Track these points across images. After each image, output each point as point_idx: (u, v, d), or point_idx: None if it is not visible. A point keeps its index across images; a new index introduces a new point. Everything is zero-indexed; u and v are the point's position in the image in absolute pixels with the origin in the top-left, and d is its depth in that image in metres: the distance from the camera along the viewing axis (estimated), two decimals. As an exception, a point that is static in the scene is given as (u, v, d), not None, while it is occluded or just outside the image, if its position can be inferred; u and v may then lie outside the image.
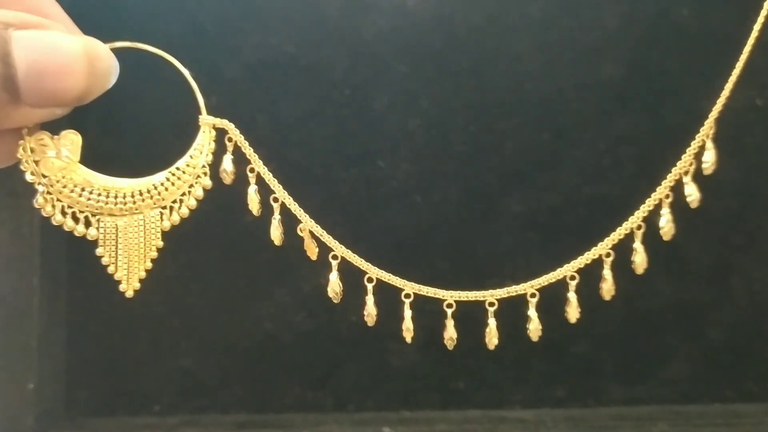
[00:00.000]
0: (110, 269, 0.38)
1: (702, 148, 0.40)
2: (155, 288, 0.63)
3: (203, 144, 0.38)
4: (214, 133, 0.38)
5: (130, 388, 0.63)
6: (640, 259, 0.41)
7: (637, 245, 0.41)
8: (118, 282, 0.38)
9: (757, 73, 0.60)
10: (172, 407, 0.63)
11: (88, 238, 0.37)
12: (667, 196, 0.41)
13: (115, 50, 0.35)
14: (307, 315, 0.62)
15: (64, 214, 0.37)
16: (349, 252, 0.40)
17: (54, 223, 0.37)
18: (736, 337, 0.62)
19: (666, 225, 0.41)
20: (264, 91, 0.61)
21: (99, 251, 0.37)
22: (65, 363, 0.62)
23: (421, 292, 0.40)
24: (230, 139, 0.38)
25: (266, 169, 0.39)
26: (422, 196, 0.61)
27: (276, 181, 0.39)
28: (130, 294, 0.38)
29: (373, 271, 0.40)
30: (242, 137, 0.38)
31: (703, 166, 0.41)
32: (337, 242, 0.40)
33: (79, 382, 0.63)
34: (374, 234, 0.61)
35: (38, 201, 0.36)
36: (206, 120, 0.38)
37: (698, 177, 0.41)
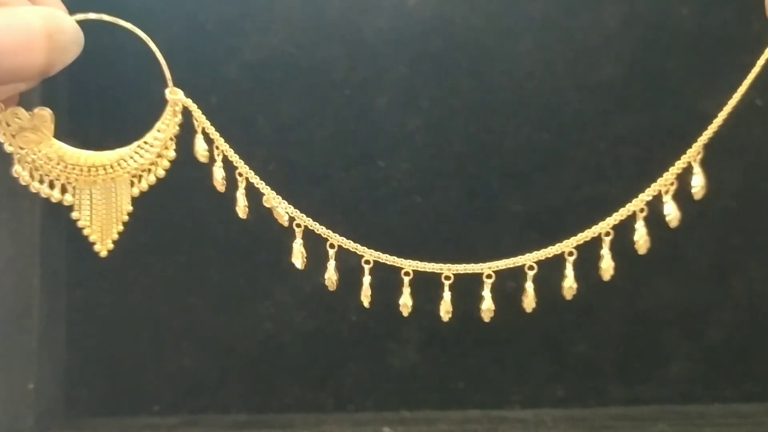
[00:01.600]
0: (86, 231, 0.39)
1: (686, 170, 0.40)
2: (155, 288, 0.63)
3: (170, 118, 0.39)
4: (180, 106, 0.39)
5: (130, 388, 0.63)
6: (605, 265, 0.41)
7: (605, 251, 0.41)
8: (93, 243, 0.40)
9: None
10: (172, 407, 0.63)
11: (64, 203, 0.39)
12: (642, 210, 0.41)
13: (81, 22, 0.35)
14: (307, 315, 0.62)
15: (41, 182, 0.38)
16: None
17: (32, 190, 0.38)
18: (736, 337, 0.62)
19: (640, 238, 0.41)
20: (264, 91, 0.61)
21: (74, 215, 0.39)
22: (65, 363, 0.62)
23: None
24: (196, 120, 0.39)
25: (228, 146, 0.39)
26: (422, 196, 0.61)
27: (237, 156, 0.40)
28: (104, 254, 0.40)
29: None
30: (204, 117, 0.39)
31: (693, 190, 0.41)
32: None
33: (79, 382, 0.63)
34: (374, 234, 0.61)
35: (17, 170, 0.38)
36: (171, 96, 0.39)
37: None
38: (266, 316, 0.62)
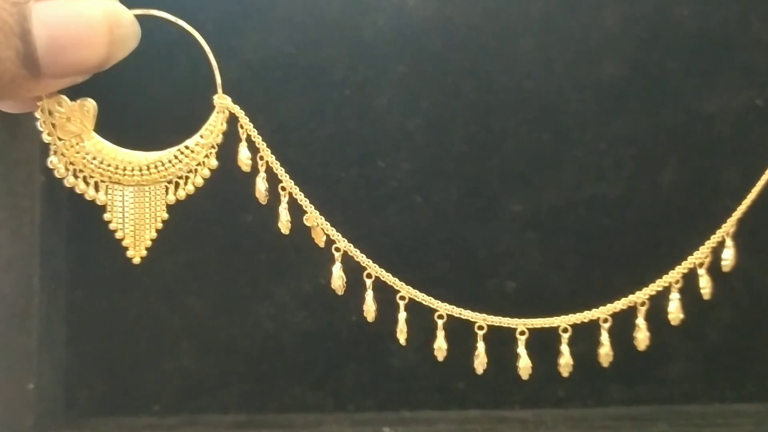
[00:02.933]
0: (118, 234, 0.38)
1: (721, 244, 0.41)
2: (155, 287, 0.63)
3: (215, 125, 0.38)
4: (227, 114, 0.38)
5: (130, 388, 0.63)
6: (642, 336, 0.42)
7: (640, 321, 0.41)
8: (126, 248, 0.39)
9: (757, 73, 0.61)
10: (172, 407, 0.63)
11: (97, 202, 0.38)
12: (677, 282, 0.42)
13: (137, 17, 0.35)
14: (307, 315, 0.62)
15: (75, 176, 0.37)
16: (351, 246, 0.40)
17: (66, 184, 0.37)
18: (736, 337, 0.62)
19: (674, 310, 0.41)
20: (264, 91, 0.61)
21: (107, 216, 0.38)
22: (65, 363, 0.62)
23: (416, 298, 0.40)
24: (242, 126, 0.38)
25: (274, 158, 0.39)
26: (422, 196, 0.61)
27: (284, 170, 0.39)
28: (137, 260, 0.39)
29: (373, 268, 0.40)
30: (251, 125, 0.38)
31: (723, 263, 0.41)
32: (339, 235, 0.40)
33: (79, 382, 0.63)
34: (374, 234, 0.61)
35: (53, 161, 0.37)
36: (221, 101, 0.38)
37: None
38: (266, 316, 0.62)
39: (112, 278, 0.62)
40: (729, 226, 0.41)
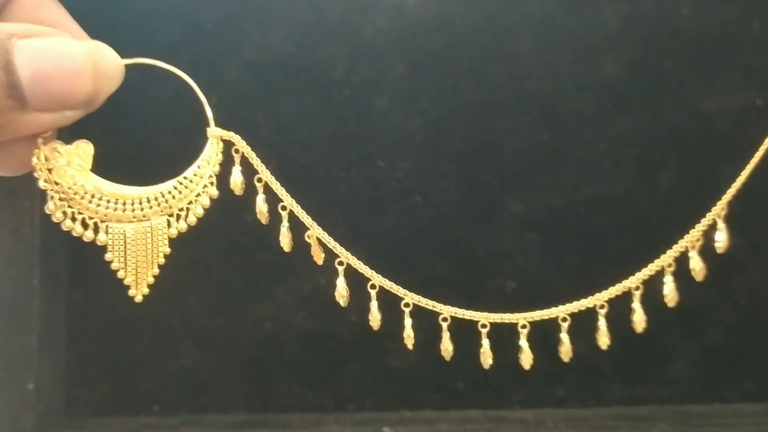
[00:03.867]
0: (120, 274, 0.39)
1: (712, 227, 0.42)
2: (156, 288, 0.63)
3: (211, 155, 0.39)
4: (221, 144, 0.39)
5: (130, 388, 0.63)
6: (638, 318, 0.43)
7: (635, 305, 0.42)
8: (128, 287, 0.39)
9: (757, 73, 0.61)
10: (172, 407, 0.63)
11: (98, 243, 0.38)
12: (669, 265, 0.42)
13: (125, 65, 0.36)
14: (307, 315, 0.62)
15: (73, 219, 0.38)
16: (354, 258, 0.41)
17: (64, 228, 0.37)
18: (736, 337, 0.62)
19: (669, 292, 0.42)
20: (264, 91, 0.61)
21: (108, 256, 0.38)
22: (65, 363, 0.62)
23: (420, 303, 0.41)
24: (237, 151, 0.39)
25: (274, 178, 0.39)
26: (422, 196, 0.61)
27: (284, 189, 0.39)
28: (139, 299, 0.39)
29: (377, 279, 0.41)
30: (249, 148, 0.39)
31: (716, 245, 0.42)
32: (342, 248, 0.41)
33: (79, 382, 0.63)
34: (374, 234, 0.61)
35: (49, 207, 0.37)
36: (214, 132, 0.39)
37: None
38: (266, 316, 0.62)
39: (112, 278, 0.62)
40: (719, 209, 0.41)
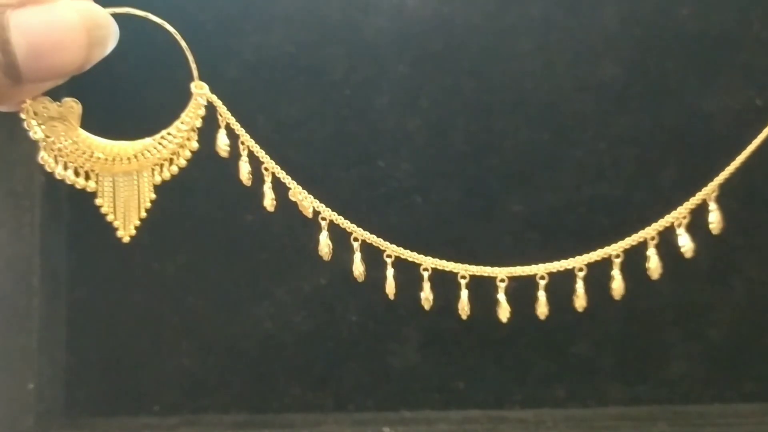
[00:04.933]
0: (109, 217, 0.40)
1: (700, 206, 0.42)
2: (155, 288, 0.63)
3: (193, 111, 0.40)
4: (205, 99, 0.40)
5: (130, 388, 0.63)
6: (616, 285, 0.43)
7: (615, 272, 0.43)
8: (116, 229, 0.40)
9: (757, 73, 0.61)
10: (172, 407, 0.63)
11: (88, 189, 0.39)
12: (653, 238, 0.43)
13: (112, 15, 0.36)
14: (307, 315, 0.62)
15: (65, 168, 0.39)
16: (335, 214, 0.43)
17: (57, 177, 0.39)
18: (736, 337, 0.62)
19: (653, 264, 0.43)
20: (264, 91, 0.61)
21: (98, 201, 0.40)
22: (65, 363, 0.62)
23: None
24: (221, 114, 0.40)
25: (254, 141, 0.41)
26: (422, 196, 0.61)
27: (264, 152, 0.41)
28: (126, 239, 0.41)
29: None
30: (229, 113, 0.40)
31: (710, 226, 0.43)
32: (323, 206, 0.43)
33: (79, 382, 0.63)
34: (374, 234, 0.61)
35: (43, 157, 0.38)
36: (196, 90, 0.40)
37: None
38: (266, 316, 0.62)
39: (112, 278, 0.62)
40: (710, 189, 0.42)
